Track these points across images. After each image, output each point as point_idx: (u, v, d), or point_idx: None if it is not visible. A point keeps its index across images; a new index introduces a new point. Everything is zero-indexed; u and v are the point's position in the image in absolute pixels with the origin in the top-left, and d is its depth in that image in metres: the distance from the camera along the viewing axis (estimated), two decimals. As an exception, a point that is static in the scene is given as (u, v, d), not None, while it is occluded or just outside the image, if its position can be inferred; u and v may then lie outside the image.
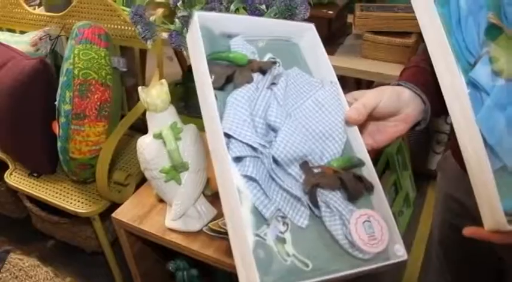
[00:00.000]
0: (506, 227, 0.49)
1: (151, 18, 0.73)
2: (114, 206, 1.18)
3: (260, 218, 0.46)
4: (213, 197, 1.02)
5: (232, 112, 0.50)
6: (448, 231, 0.91)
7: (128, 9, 1.40)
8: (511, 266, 0.83)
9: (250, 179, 0.47)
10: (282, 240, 0.46)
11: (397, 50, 1.22)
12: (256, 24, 0.62)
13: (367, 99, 0.58)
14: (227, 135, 0.49)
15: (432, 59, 0.57)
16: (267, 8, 0.70)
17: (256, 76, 0.56)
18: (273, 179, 0.49)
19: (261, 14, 0.73)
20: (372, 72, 1.25)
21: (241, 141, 0.49)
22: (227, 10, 0.74)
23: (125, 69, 1.25)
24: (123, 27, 1.40)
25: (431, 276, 1.03)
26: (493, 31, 0.54)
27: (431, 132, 1.93)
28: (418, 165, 1.93)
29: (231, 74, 0.55)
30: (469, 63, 0.54)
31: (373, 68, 1.26)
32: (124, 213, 1.02)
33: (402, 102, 0.60)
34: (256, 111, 0.53)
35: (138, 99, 1.44)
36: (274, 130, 0.53)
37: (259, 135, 0.51)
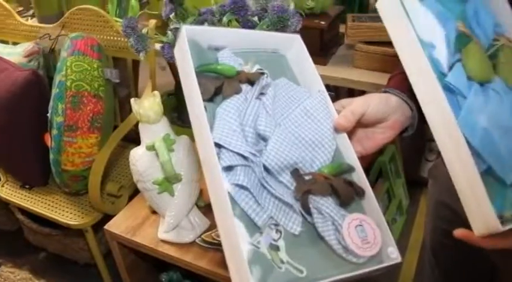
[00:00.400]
0: (499, 227, 0.49)
1: (144, 30, 0.73)
2: (107, 217, 1.18)
3: (253, 226, 0.47)
4: (206, 208, 1.01)
5: (222, 122, 0.51)
6: (440, 238, 0.92)
7: (120, 20, 1.41)
8: (503, 271, 0.83)
9: (241, 187, 0.47)
10: (276, 248, 0.46)
11: (389, 59, 1.23)
12: (243, 36, 0.63)
13: (355, 106, 0.59)
14: (218, 145, 0.49)
15: (405, 66, 0.59)
16: (260, 20, 0.71)
17: (245, 87, 0.57)
18: (265, 187, 0.50)
19: (253, 26, 0.74)
20: (365, 82, 1.25)
21: (231, 150, 0.49)
22: (219, 22, 0.74)
23: (117, 81, 1.25)
24: (115, 38, 1.41)
25: (424, 280, 1.03)
26: (463, 39, 0.57)
27: (423, 140, 1.95)
28: (410, 173, 1.94)
29: (219, 85, 0.55)
30: (441, 73, 0.56)
31: (365, 78, 1.26)
32: (117, 225, 1.02)
33: (389, 109, 0.61)
34: (246, 121, 0.53)
35: (131, 110, 1.44)
36: (264, 139, 0.53)
37: (250, 144, 0.51)
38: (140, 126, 0.91)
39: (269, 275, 0.43)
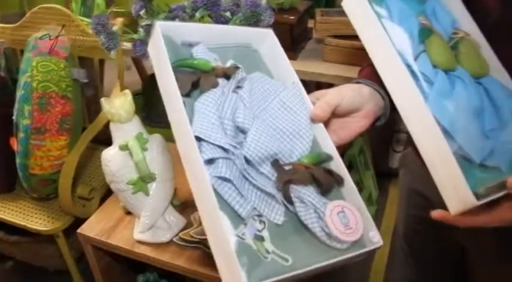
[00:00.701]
0: (475, 202, 0.51)
1: (114, 28, 0.71)
2: (78, 221, 1.15)
3: (237, 218, 0.47)
4: (181, 206, 1.01)
5: (201, 116, 0.51)
6: (414, 225, 0.95)
7: (85, 19, 1.37)
8: (472, 253, 0.87)
9: (224, 180, 0.48)
10: (261, 238, 0.47)
11: (357, 53, 1.25)
12: (216, 32, 0.63)
13: (330, 97, 0.61)
14: (198, 139, 0.49)
15: (374, 59, 0.62)
16: (232, 15, 0.71)
17: (221, 81, 0.57)
18: (246, 179, 0.50)
19: (226, 21, 0.74)
20: (334, 76, 1.28)
21: (212, 143, 0.49)
22: (191, 18, 0.74)
23: (85, 81, 1.22)
24: (81, 37, 1.37)
25: (396, 268, 1.06)
26: (425, 32, 0.61)
27: (391, 132, 2.00)
28: (379, 164, 1.98)
29: (196, 80, 0.56)
30: (407, 64, 0.58)
31: (334, 71, 1.29)
32: (90, 228, 0.99)
33: (363, 99, 0.63)
34: (224, 114, 0.54)
35: (98, 111, 1.41)
36: (243, 132, 0.54)
37: (229, 137, 0.52)
38: (112, 126, 0.90)
39: (257, 265, 0.44)
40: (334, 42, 1.30)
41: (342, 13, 1.35)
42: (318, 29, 1.34)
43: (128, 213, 1.02)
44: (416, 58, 0.59)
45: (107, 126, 0.91)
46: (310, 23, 1.50)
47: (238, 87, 0.58)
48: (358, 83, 0.66)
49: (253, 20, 0.72)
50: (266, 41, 0.66)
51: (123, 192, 0.91)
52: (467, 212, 0.53)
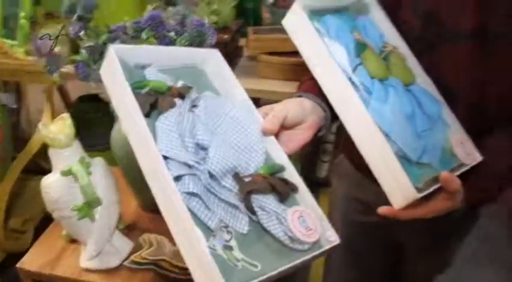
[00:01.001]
0: (417, 195, 0.58)
1: (57, 49, 0.70)
2: (11, 257, 1.08)
3: (206, 231, 0.49)
4: (126, 229, 0.99)
5: (164, 135, 0.53)
6: (353, 229, 1.00)
7: (8, 41, 1.30)
8: (409, 249, 0.94)
9: (192, 194, 0.50)
10: (229, 248, 0.50)
11: (290, 68, 1.31)
12: (166, 53, 0.66)
13: (277, 111, 0.65)
14: (164, 157, 0.51)
15: (314, 70, 0.67)
16: (176, 35, 0.73)
17: (177, 101, 0.59)
18: (211, 193, 0.53)
19: (170, 41, 0.75)
20: (268, 91, 1.32)
21: (177, 161, 0.51)
22: (133, 39, 0.74)
23: (14, 106, 1.16)
24: (5, 60, 1.30)
25: (335, 272, 1.11)
26: (360, 46, 0.67)
27: (318, 143, 2.09)
28: (308, 174, 2.06)
29: (153, 101, 0.57)
30: (347, 77, 0.64)
31: (270, 87, 1.33)
32: (31, 262, 0.94)
33: (306, 112, 0.68)
34: (184, 133, 0.56)
35: (25, 138, 1.34)
36: (203, 148, 0.56)
37: (191, 154, 0.54)
38: (51, 152, 0.86)
39: (231, 273, 0.46)
40: (268, 59, 1.35)
41: (273, 31, 1.42)
42: (251, 47, 1.39)
43: (72, 241, 0.97)
44: (354, 70, 0.65)
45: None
46: (241, 41, 1.55)
47: (193, 106, 0.61)
48: (299, 96, 0.71)
49: (198, 39, 0.74)
50: (212, 61, 0.69)
51: (67, 220, 0.87)
52: (409, 205, 0.60)
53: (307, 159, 2.07)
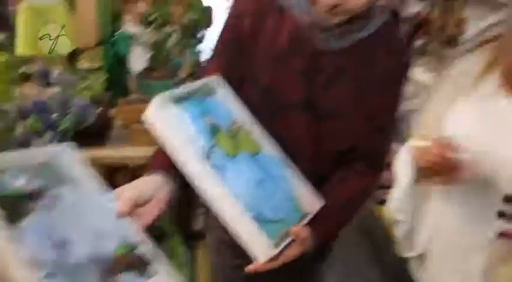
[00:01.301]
0: (275, 250, 0.74)
1: None
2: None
3: None
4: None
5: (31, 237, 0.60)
6: (230, 273, 1.07)
7: None
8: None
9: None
10: None
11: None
12: (19, 156, 0.70)
13: (128, 193, 0.72)
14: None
15: (176, 158, 0.75)
16: (59, 117, 0.77)
17: (39, 202, 0.65)
18: None
19: (55, 125, 0.81)
20: (143, 157, 1.36)
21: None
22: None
23: None
24: None
25: None
26: (213, 130, 0.79)
27: (194, 197, 2.15)
28: (184, 227, 2.14)
29: (21, 206, 0.63)
30: (204, 160, 0.75)
31: (145, 153, 1.32)
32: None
33: (157, 187, 0.77)
34: (47, 232, 0.62)
35: None
36: (65, 243, 0.63)
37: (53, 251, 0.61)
38: None
39: None
40: (140, 127, 1.42)
41: (143, 101, 1.51)
42: (124, 117, 1.49)
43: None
44: (209, 150, 0.76)
45: None
46: (112, 112, 1.61)
47: (50, 205, 0.66)
48: (150, 174, 0.79)
49: (83, 119, 0.82)
50: (66, 155, 0.72)
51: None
52: (271, 258, 0.76)
53: (182, 212, 2.14)
